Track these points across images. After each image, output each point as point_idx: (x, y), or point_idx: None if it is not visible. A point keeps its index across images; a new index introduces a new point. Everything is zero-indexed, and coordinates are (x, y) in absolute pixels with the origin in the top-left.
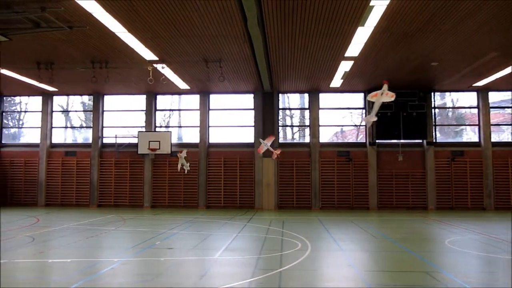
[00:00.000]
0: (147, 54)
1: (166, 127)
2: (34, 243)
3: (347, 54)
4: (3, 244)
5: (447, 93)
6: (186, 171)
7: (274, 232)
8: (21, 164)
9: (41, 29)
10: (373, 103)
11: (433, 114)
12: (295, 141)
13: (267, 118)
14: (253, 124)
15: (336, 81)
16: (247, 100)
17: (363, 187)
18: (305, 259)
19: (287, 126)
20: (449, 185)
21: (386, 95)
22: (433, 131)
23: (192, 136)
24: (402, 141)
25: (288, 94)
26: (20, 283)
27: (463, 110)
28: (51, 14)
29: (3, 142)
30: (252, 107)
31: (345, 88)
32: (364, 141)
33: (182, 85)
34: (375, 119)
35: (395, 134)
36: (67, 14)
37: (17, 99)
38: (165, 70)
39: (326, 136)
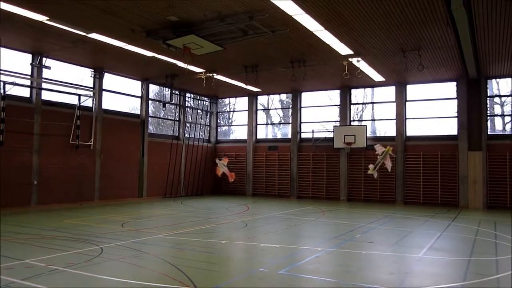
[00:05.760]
0: (343, 49)
1: (359, 120)
2: (247, 228)
3: None
4: (226, 225)
5: None
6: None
7: (485, 234)
8: (231, 158)
9: (248, 36)
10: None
11: None
12: (506, 132)
13: (472, 107)
14: (455, 114)
15: None
16: (449, 89)
17: None
18: None
19: (497, 115)
20: None
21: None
22: None
23: (387, 130)
24: None
25: (498, 80)
26: (241, 262)
27: None
28: (257, 21)
29: (218, 138)
30: (455, 96)
31: None
32: None
33: (377, 77)
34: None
35: None
36: (270, 19)
37: (226, 100)
38: (360, 64)
39: None
